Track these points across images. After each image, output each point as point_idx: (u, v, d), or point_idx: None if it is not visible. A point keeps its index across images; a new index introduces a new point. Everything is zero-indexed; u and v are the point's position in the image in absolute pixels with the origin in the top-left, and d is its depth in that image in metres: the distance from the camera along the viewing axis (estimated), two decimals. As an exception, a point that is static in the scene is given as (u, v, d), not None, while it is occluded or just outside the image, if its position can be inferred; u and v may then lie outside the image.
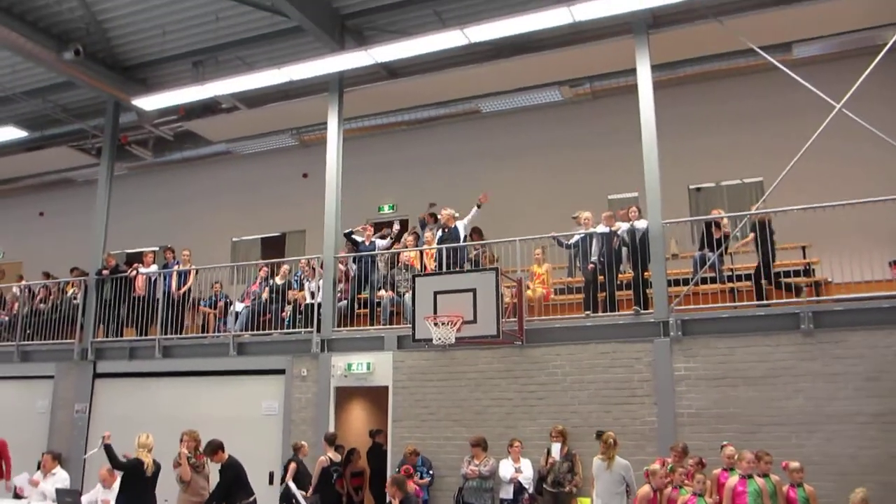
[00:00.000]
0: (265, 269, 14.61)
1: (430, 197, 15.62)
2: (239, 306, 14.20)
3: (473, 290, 10.45)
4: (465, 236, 13.43)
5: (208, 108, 16.31)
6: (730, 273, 11.49)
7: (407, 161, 17.37)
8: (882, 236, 11.25)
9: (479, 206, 13.28)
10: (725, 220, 11.83)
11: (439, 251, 13.11)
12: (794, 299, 10.60)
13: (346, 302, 13.45)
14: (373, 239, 14.04)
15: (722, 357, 10.46)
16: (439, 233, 13.58)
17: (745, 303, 10.77)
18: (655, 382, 10.66)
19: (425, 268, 13.17)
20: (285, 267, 14.43)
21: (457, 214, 13.64)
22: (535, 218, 13.73)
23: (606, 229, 12.02)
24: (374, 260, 13.68)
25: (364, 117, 16.62)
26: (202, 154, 18.64)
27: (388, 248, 14.03)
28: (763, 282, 10.79)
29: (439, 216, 13.82)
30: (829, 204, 10.57)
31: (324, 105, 14.43)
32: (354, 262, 13.74)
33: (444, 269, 12.57)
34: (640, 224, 11.81)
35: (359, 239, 14.03)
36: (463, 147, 16.95)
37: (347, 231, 14.02)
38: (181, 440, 9.89)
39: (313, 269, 13.89)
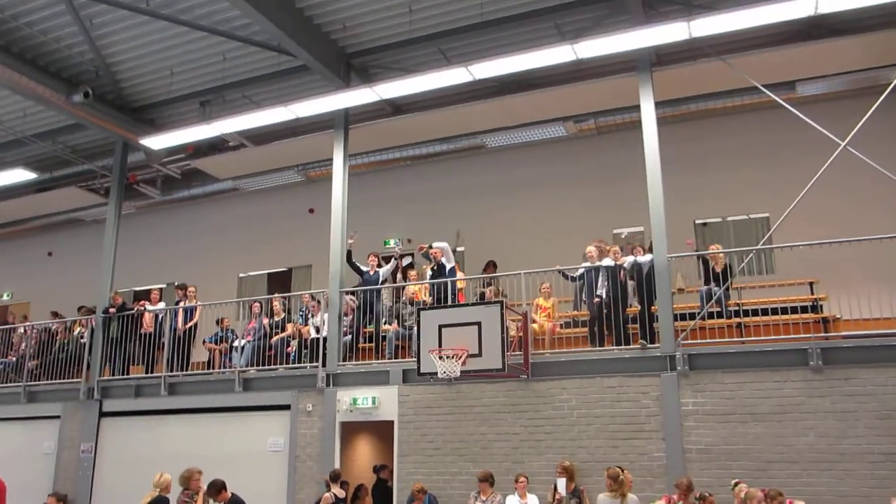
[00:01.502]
0: (257, 305, 14.60)
1: (433, 230, 15.63)
2: (243, 342, 14.19)
3: (479, 324, 10.42)
4: (452, 268, 13.47)
5: (215, 146, 16.38)
6: (736, 308, 11.50)
7: (412, 196, 17.37)
8: (890, 272, 11.22)
9: (430, 247, 13.42)
10: (720, 256, 11.84)
11: (433, 288, 13.14)
12: (802, 335, 10.52)
13: (350, 336, 13.45)
14: (377, 270, 14.02)
15: (730, 392, 10.37)
16: (429, 272, 13.66)
17: (752, 338, 10.70)
18: (663, 417, 10.55)
19: (424, 302, 13.16)
20: (277, 304, 14.44)
21: (443, 246, 13.63)
22: (541, 251, 13.76)
23: (612, 263, 11.98)
24: (379, 291, 13.68)
25: (369, 153, 16.68)
26: (209, 191, 18.70)
27: (392, 272, 14.04)
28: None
29: (431, 252, 13.82)
30: (836, 240, 10.51)
31: (329, 141, 14.47)
32: (354, 295, 13.75)
33: (440, 303, 12.54)
34: (644, 258, 11.84)
35: (363, 268, 14.00)
36: (468, 181, 16.96)
37: (349, 258, 13.90)
38: (189, 479, 9.61)
39: (318, 302, 13.90)
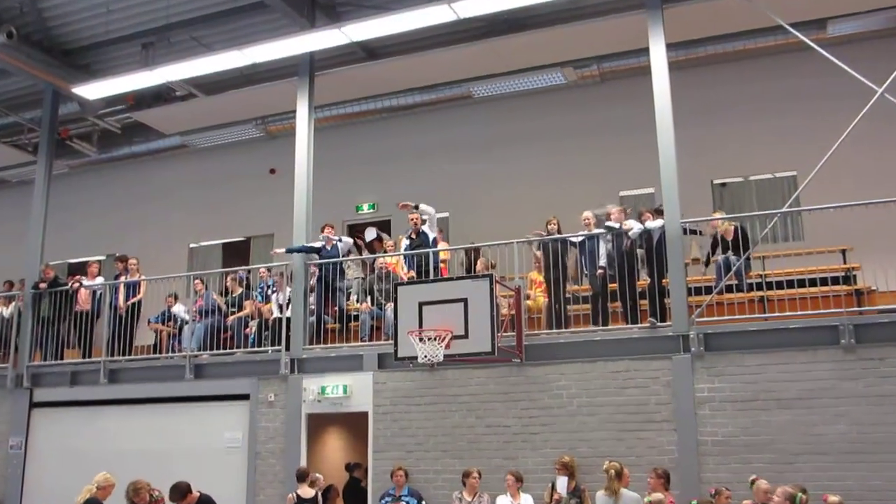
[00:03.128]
0: (199, 283, 14.64)
1: (413, 193, 15.61)
2: (187, 317, 14.20)
3: (464, 301, 10.43)
4: (434, 239, 13.49)
5: (160, 96, 16.21)
6: (758, 280, 11.52)
7: (389, 154, 17.39)
8: (933, 237, 11.27)
9: (416, 207, 13.42)
10: (721, 223, 11.87)
11: (414, 261, 13.16)
12: (833, 310, 10.52)
13: (314, 317, 13.44)
14: (335, 242, 13.88)
15: (751, 376, 10.38)
16: (405, 242, 13.67)
17: (776, 314, 10.69)
18: (675, 405, 10.58)
19: (401, 278, 13.14)
20: (230, 280, 14.49)
21: (425, 217, 13.63)
22: (536, 218, 13.65)
23: (616, 226, 11.99)
24: (341, 268, 13.62)
25: (339, 104, 16.58)
26: (154, 149, 18.61)
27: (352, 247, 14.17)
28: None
29: (409, 221, 13.84)
30: (872, 202, 10.46)
31: (292, 91, 14.36)
32: (319, 268, 13.66)
33: (422, 277, 12.62)
34: (655, 224, 11.79)
35: (317, 245, 13.85)
36: (452, 137, 16.98)
37: (296, 247, 13.66)
38: (137, 494, 8.98)
39: (281, 275, 13.87)
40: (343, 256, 13.84)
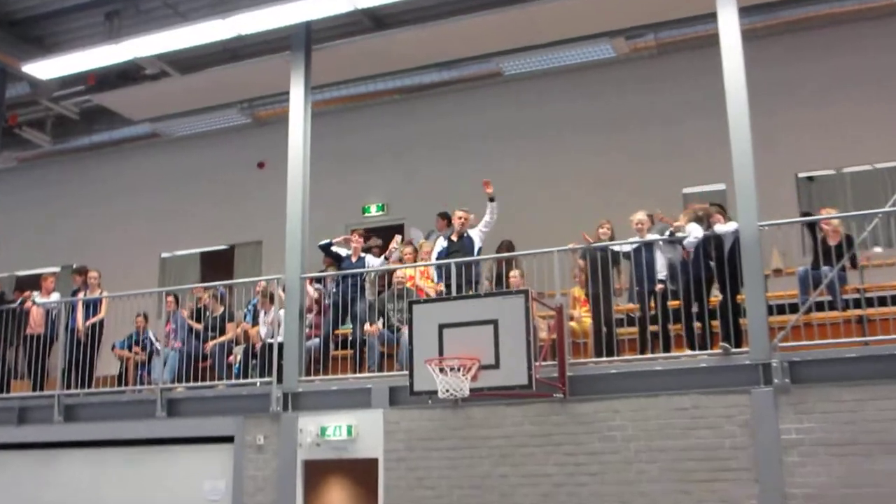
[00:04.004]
0: (171, 299, 14.69)
1: (431, 192, 15.55)
2: (166, 350, 14.14)
3: (495, 323, 10.40)
4: (480, 249, 13.41)
5: (127, 75, 16.22)
6: (856, 296, 11.17)
7: (401, 145, 17.42)
8: None
9: (492, 200, 13.21)
10: (836, 223, 11.65)
11: (445, 270, 13.01)
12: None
13: (318, 340, 13.43)
14: (362, 254, 13.99)
15: (849, 414, 10.09)
16: (442, 243, 13.58)
17: (878, 337, 10.40)
18: (755, 450, 10.38)
19: (421, 292, 13.13)
20: (207, 295, 14.55)
21: (473, 216, 13.57)
22: (581, 221, 13.54)
23: (679, 232, 11.90)
24: (361, 283, 13.56)
25: (341, 85, 16.59)
26: (119, 138, 18.67)
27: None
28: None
29: (454, 220, 13.79)
30: None
31: (285, 69, 14.34)
32: (336, 284, 13.76)
33: (455, 293, 12.49)
34: (726, 228, 11.52)
35: (343, 253, 13.99)
36: (478, 124, 16.92)
37: (326, 242, 13.98)
38: None
39: (272, 295, 13.84)
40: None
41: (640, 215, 12.33)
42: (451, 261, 12.85)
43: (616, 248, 12.45)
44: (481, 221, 13.39)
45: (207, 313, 14.54)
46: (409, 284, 13.43)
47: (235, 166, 18.54)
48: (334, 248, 14.09)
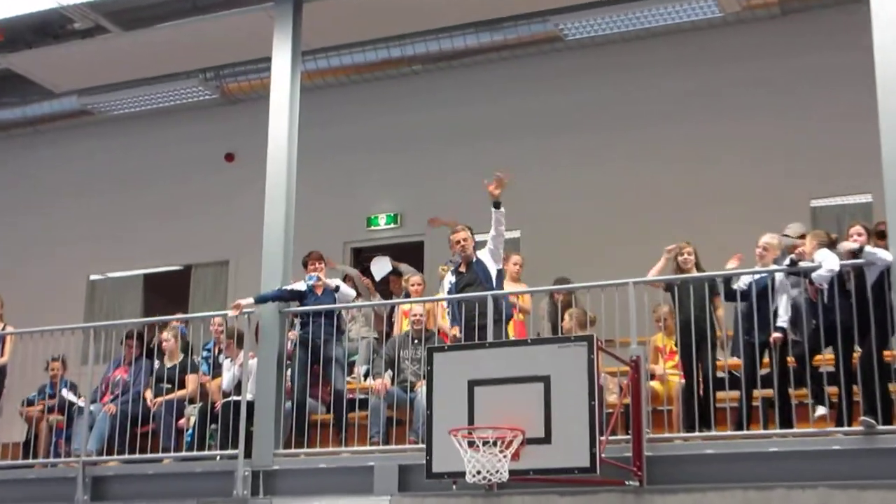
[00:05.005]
0: (132, 342, 14.43)
1: (462, 198, 15.65)
2: (95, 406, 14.14)
3: (545, 380, 10.25)
4: (499, 272, 13.35)
5: (48, 30, 16.27)
6: None
7: (420, 134, 17.70)
8: None
9: (497, 207, 13.10)
10: None
11: (462, 310, 12.86)
12: None
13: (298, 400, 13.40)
14: (327, 285, 13.79)
15: None
16: (450, 279, 13.65)
17: None
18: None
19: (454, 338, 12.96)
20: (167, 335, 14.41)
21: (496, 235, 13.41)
22: (666, 242, 13.52)
23: (805, 260, 11.67)
24: (336, 321, 13.60)
25: (342, 49, 16.89)
26: (35, 116, 19.07)
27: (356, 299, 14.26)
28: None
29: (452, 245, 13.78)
30: None
31: (266, 26, 14.38)
32: (301, 323, 13.68)
33: (464, 334, 12.50)
34: (879, 255, 11.24)
35: (301, 287, 13.74)
36: (526, 107, 17.08)
37: (268, 294, 13.66)
38: None
39: (240, 335, 13.78)
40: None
41: (769, 238, 12.20)
42: (489, 293, 12.49)
43: (721, 279, 12.38)
44: (490, 236, 13.23)
45: (152, 356, 14.70)
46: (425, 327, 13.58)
47: (195, 159, 18.75)
48: (272, 293, 13.70)
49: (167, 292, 18.88)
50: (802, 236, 12.51)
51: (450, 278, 13.56)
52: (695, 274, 12.30)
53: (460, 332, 12.80)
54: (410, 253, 16.49)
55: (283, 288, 13.49)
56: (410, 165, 17.60)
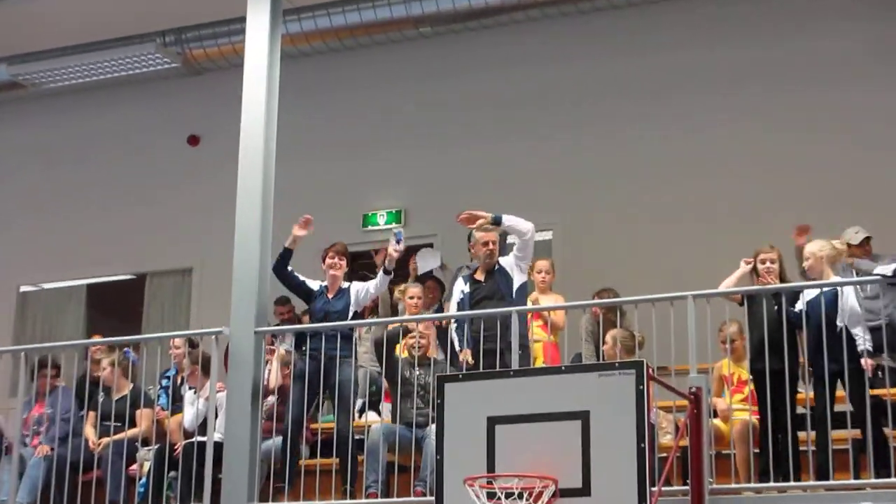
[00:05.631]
0: (48, 371, 14.34)
1: (479, 191, 15.52)
2: (28, 451, 14.07)
3: (583, 417, 9.96)
4: (526, 283, 13.48)
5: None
6: None
7: (429, 111, 17.92)
8: None
9: (496, 224, 13.25)
10: None
11: (476, 328, 12.96)
12: None
13: (280, 439, 13.31)
14: (345, 285, 13.91)
15: None
16: (461, 287, 13.66)
17: None
18: None
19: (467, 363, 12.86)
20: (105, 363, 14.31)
21: (514, 237, 13.60)
22: (736, 248, 13.47)
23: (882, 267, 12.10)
24: (349, 336, 13.46)
25: (331, 7, 17.15)
26: None
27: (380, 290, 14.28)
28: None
29: (476, 246, 13.85)
30: None
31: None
32: (300, 343, 13.64)
33: (483, 360, 12.49)
34: None
35: (313, 285, 13.89)
36: (560, 79, 17.34)
37: (282, 254, 13.75)
38: None
39: (206, 361, 13.70)
40: (358, 310, 13.90)
41: (818, 246, 12.25)
42: (513, 309, 12.53)
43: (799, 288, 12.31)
44: (516, 230, 13.43)
45: (103, 393, 14.49)
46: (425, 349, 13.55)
47: (151, 142, 19.06)
48: (295, 273, 13.85)
49: (116, 307, 18.87)
50: (866, 241, 13.29)
51: (462, 287, 13.54)
52: (773, 285, 12.19)
53: (472, 356, 12.88)
54: (415, 254, 16.37)
55: (297, 275, 13.75)
56: (417, 151, 17.74)
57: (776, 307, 12.09)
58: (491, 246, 13.32)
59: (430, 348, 13.64)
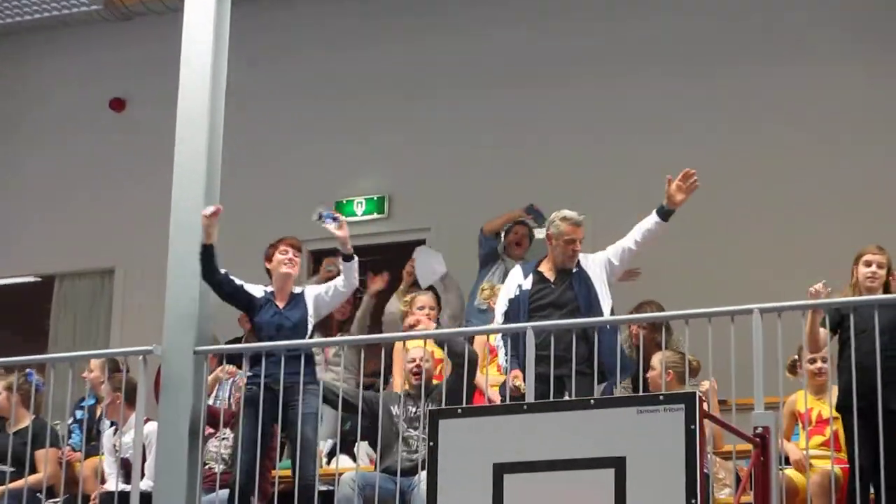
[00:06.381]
0: None
1: (474, 170, 15.64)
2: None
3: (618, 464, 9.50)
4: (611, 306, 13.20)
5: None
6: None
7: (419, 74, 18.28)
8: None
9: (664, 218, 13.31)
10: None
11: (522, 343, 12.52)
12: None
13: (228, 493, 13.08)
14: (297, 289, 13.84)
15: None
16: (518, 281, 13.51)
17: None
18: None
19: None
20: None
21: (580, 222, 13.39)
22: (825, 253, 13.43)
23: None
24: (308, 358, 13.29)
25: None
26: None
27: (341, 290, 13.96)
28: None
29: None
30: None
31: None
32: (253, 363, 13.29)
33: (537, 391, 12.16)
34: None
35: (256, 293, 13.68)
36: (587, 36, 17.74)
37: (203, 255, 13.55)
38: None
39: (131, 388, 13.61)
40: (315, 328, 13.78)
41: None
42: (549, 323, 12.61)
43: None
44: (616, 243, 13.54)
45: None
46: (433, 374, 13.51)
47: (63, 107, 19.20)
48: (220, 270, 13.60)
49: (14, 317, 18.88)
50: None
51: (519, 280, 13.49)
52: (874, 297, 12.09)
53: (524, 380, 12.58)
54: (404, 258, 16.39)
55: (236, 281, 13.48)
56: (405, 123, 17.68)
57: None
58: (578, 246, 13.38)
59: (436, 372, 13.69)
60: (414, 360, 13.50)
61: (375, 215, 17.59)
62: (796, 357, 12.64)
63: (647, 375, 12.82)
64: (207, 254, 13.43)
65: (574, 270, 13.29)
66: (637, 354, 13.45)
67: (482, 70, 17.46)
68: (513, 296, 13.42)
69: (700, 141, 16.75)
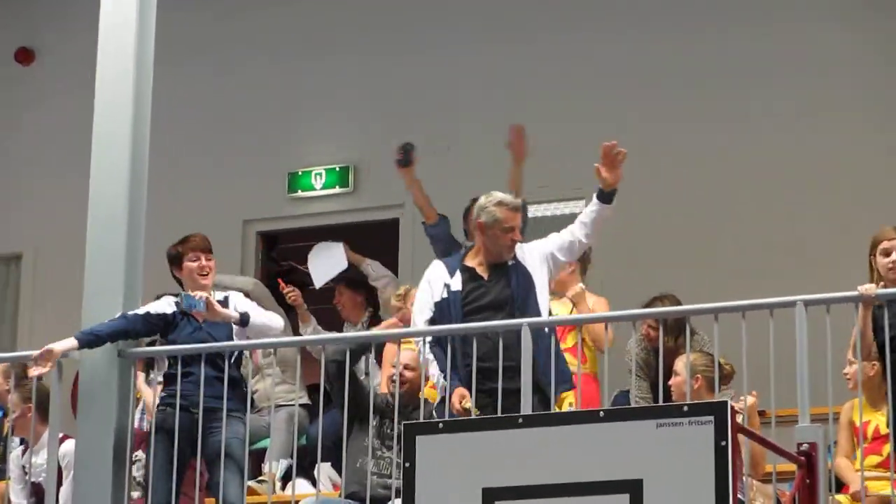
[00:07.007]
0: None
1: (458, 134, 15.68)
2: None
3: (634, 488, 9.75)
4: (549, 283, 13.57)
5: None
6: None
7: (387, 15, 17.83)
8: None
9: (605, 199, 13.48)
10: None
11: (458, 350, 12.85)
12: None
13: None
14: (218, 295, 13.87)
15: None
16: (444, 280, 13.61)
17: None
18: None
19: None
20: None
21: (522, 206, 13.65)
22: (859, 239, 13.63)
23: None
24: (237, 375, 13.59)
25: None
26: None
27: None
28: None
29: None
30: None
31: None
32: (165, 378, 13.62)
33: (500, 404, 12.25)
34: None
35: (165, 308, 13.76)
36: None
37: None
38: None
39: (42, 398, 13.72)
40: (246, 338, 13.80)
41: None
42: (523, 321, 12.62)
43: None
44: (560, 234, 13.65)
45: None
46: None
47: None
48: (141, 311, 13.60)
49: None
50: None
51: (446, 279, 13.55)
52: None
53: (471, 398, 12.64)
54: (373, 241, 16.49)
55: (135, 313, 13.24)
56: (373, 78, 17.43)
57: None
58: (518, 235, 13.37)
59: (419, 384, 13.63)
60: (403, 365, 13.75)
61: (338, 189, 17.65)
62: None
63: (670, 382, 12.73)
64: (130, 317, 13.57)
65: (510, 263, 13.40)
66: (654, 359, 13.29)
67: (461, 21, 17.48)
68: (439, 298, 13.52)
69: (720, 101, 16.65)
